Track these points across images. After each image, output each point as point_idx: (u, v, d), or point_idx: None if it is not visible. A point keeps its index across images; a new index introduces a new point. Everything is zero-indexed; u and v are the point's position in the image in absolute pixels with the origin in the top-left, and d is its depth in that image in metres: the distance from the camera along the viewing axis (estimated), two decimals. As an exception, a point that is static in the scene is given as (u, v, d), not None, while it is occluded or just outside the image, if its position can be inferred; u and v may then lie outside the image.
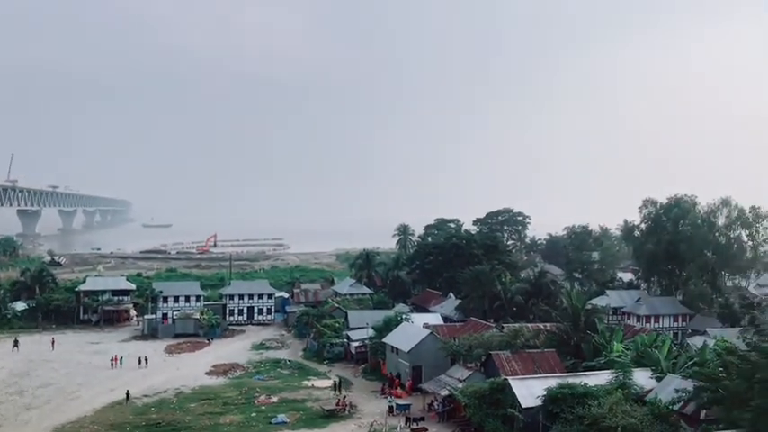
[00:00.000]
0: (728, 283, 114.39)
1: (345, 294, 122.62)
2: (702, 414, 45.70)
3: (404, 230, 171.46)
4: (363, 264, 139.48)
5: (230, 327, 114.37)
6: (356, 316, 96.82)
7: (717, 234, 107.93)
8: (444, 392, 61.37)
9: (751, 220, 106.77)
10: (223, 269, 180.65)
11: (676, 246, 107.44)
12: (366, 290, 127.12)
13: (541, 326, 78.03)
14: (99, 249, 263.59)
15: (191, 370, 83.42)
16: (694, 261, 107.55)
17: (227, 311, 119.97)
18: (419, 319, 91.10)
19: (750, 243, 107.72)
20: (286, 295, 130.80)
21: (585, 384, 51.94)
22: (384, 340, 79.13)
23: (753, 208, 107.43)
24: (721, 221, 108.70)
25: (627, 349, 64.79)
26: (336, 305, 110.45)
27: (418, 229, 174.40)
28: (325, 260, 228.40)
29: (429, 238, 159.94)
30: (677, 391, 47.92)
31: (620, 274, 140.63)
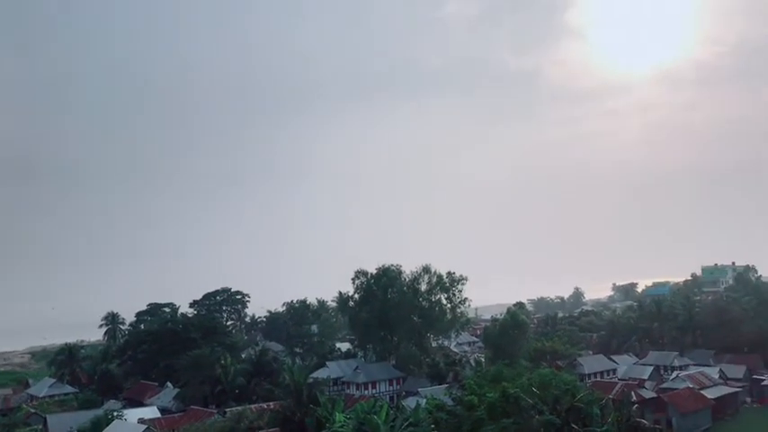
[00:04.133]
0: (434, 344, 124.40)
1: (44, 397, 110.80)
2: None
3: (112, 319, 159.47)
4: (65, 360, 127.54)
5: None
6: (58, 420, 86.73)
7: (421, 299, 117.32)
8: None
9: (448, 284, 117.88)
10: None
11: (387, 312, 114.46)
12: (70, 389, 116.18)
13: (265, 406, 77.63)
14: None
15: None
16: (403, 325, 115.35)
17: None
18: (133, 414, 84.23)
19: (449, 305, 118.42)
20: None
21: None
22: (92, 444, 71.12)
23: (449, 273, 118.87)
24: (424, 287, 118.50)
25: (348, 419, 65.89)
26: (33, 410, 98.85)
27: (129, 317, 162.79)
28: (18, 360, 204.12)
29: (142, 326, 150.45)
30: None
31: (338, 345, 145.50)
